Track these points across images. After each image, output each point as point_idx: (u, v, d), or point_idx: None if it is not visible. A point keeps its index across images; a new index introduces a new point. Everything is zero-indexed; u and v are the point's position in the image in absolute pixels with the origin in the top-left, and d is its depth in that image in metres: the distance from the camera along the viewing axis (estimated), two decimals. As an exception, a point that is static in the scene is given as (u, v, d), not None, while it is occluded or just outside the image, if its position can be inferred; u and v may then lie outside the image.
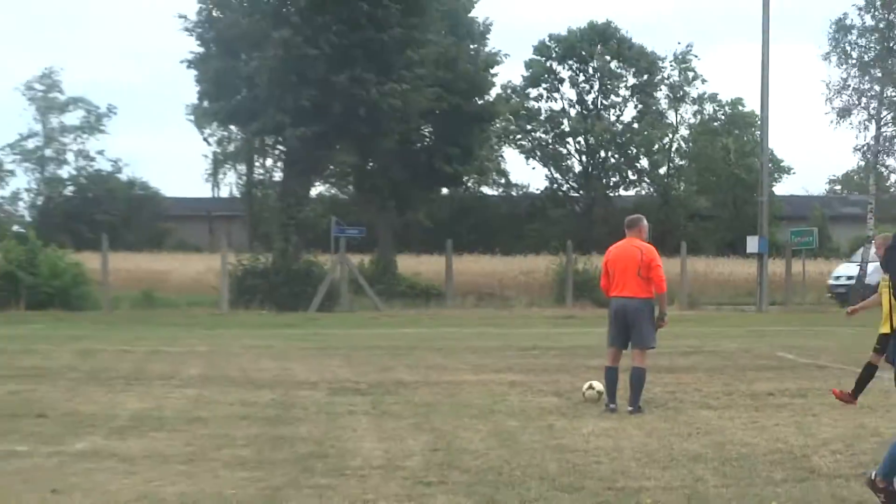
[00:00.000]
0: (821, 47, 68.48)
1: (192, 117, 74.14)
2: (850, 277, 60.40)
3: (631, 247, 19.79)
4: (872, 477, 12.06)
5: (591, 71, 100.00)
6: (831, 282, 63.08)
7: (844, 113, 65.58)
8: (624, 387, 19.85)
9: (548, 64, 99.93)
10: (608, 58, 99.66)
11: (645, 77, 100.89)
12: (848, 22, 66.12)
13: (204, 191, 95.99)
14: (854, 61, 65.85)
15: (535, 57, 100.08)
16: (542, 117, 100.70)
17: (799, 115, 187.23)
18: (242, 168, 76.52)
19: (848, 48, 66.03)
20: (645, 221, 20.41)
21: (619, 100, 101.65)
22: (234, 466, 14.48)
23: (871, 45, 65.83)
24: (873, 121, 65.34)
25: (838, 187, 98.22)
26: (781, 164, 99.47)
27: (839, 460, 15.04)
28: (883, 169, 67.63)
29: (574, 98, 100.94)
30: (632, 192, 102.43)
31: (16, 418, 18.76)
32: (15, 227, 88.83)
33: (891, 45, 65.35)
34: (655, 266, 19.64)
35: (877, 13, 65.02)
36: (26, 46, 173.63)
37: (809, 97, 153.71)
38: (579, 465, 14.64)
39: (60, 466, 14.37)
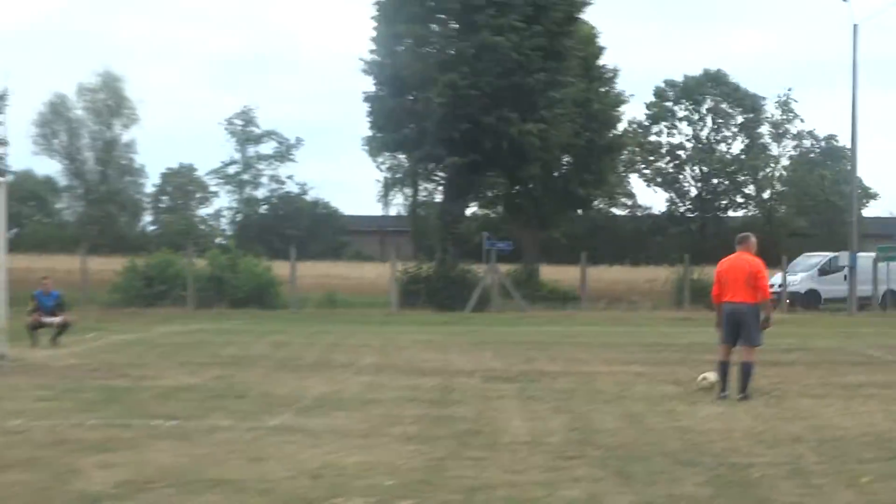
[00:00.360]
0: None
1: (366, 147, 74.09)
2: (780, 286, 60.06)
3: (741, 259, 19.92)
4: None
5: (703, 111, 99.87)
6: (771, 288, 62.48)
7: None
8: (734, 378, 19.81)
9: (666, 104, 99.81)
10: (720, 99, 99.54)
11: (751, 115, 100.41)
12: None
13: (376, 209, 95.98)
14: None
15: (654, 99, 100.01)
16: (662, 150, 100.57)
17: (885, 147, 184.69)
18: (408, 190, 76.57)
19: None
20: (753, 238, 20.50)
21: (729, 135, 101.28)
22: (403, 441, 14.54)
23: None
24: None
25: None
26: (869, 191, 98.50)
27: (920, 442, 14.96)
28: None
29: (690, 133, 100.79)
30: (739, 214, 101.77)
31: (220, 398, 18.96)
32: (218, 240, 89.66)
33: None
34: (761, 276, 19.83)
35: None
36: (228, 88, 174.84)
37: (894, 130, 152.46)
38: (696, 443, 14.62)
39: (256, 439, 14.52)
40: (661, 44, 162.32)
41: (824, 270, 62.77)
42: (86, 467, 12.28)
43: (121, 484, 11.41)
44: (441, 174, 65.54)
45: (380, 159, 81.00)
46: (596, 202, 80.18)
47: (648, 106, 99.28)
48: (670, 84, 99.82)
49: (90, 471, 12.09)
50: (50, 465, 12.41)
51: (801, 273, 62.20)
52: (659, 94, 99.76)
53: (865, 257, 61.65)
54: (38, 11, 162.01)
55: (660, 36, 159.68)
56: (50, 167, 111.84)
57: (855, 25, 59.80)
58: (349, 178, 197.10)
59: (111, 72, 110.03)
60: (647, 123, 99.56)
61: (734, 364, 19.80)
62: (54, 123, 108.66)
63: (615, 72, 74.10)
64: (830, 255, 65.48)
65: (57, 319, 30.46)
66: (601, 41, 72.09)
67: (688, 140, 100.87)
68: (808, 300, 60.62)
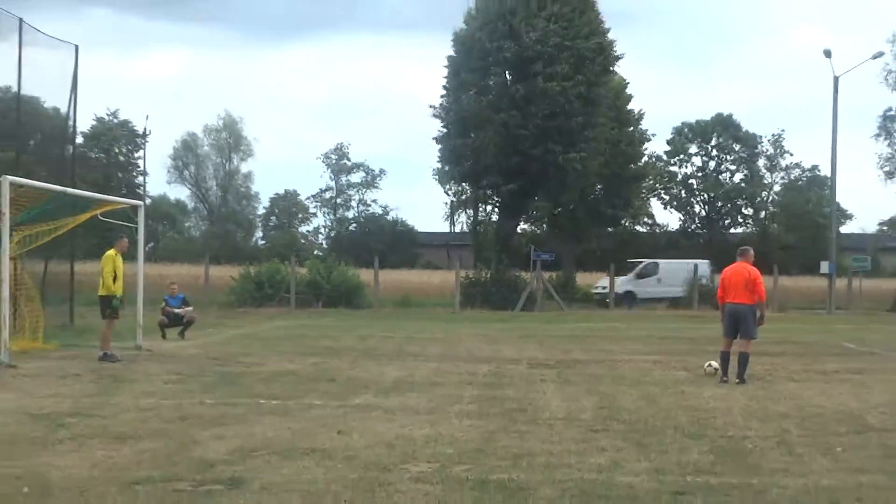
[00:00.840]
0: (873, 130, 67.89)
1: (436, 177, 74.33)
2: (604, 287, 60.11)
3: (742, 268, 20.28)
4: None
5: (710, 147, 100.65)
6: (595, 290, 62.71)
7: (890, 175, 65.31)
8: (733, 365, 19.72)
9: (682, 142, 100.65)
10: (726, 139, 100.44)
11: (751, 152, 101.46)
12: (891, 112, 65.50)
13: (444, 227, 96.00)
14: (896, 138, 65.49)
15: (672, 136, 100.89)
16: (677, 178, 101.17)
17: (858, 176, 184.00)
18: (470, 212, 76.59)
19: (892, 129, 65.35)
20: (751, 251, 20.87)
21: (733, 167, 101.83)
22: (462, 416, 14.51)
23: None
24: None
25: (885, 227, 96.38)
26: (846, 212, 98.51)
27: (886, 419, 14.79)
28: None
29: (700, 164, 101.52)
30: (739, 231, 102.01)
31: (314, 381, 19.00)
32: (316, 252, 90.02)
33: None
34: (759, 282, 20.17)
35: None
36: (325, 128, 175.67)
37: (866, 164, 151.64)
38: (701, 419, 14.54)
39: (344, 415, 14.51)
40: (681, 92, 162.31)
41: (640, 275, 62.11)
42: (204, 438, 12.33)
43: (232, 451, 11.45)
44: (497, 198, 65.83)
45: (447, 186, 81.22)
46: (623, 221, 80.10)
47: (669, 142, 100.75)
48: (687, 126, 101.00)
49: (207, 441, 12.14)
50: (175, 436, 12.47)
51: (620, 277, 61.67)
52: (678, 132, 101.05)
53: (675, 264, 62.12)
54: (174, 67, 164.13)
55: (679, 85, 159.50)
56: (180, 193, 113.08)
57: (836, 78, 59.85)
58: (422, 201, 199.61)
59: (231, 115, 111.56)
60: (665, 158, 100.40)
61: (734, 354, 19.87)
62: (185, 157, 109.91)
63: (641, 115, 74.34)
64: (647, 261, 65.30)
65: (183, 310, 30.66)
66: (630, 90, 72.28)
67: (698, 171, 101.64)
68: (626, 300, 59.78)
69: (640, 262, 64.58)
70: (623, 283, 61.14)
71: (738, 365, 19.71)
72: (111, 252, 23.52)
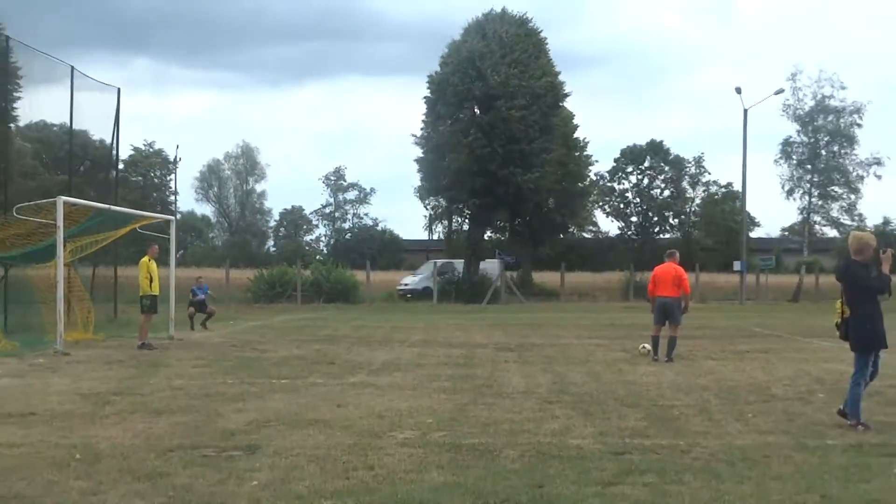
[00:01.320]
0: (774, 154, 68.64)
1: (417, 193, 74.53)
2: (406, 284, 60.17)
3: (670, 267, 20.33)
4: (842, 408, 11.72)
5: (646, 167, 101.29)
6: (399, 287, 61.05)
7: (790, 193, 66.27)
8: (663, 347, 19.75)
9: (625, 163, 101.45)
10: (660, 162, 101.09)
11: (677, 171, 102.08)
12: (791, 139, 66.21)
13: (424, 235, 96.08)
14: (794, 161, 65.74)
15: (616, 157, 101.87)
16: (615, 194, 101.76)
17: (764, 190, 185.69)
18: (445, 222, 76.74)
19: (791, 153, 65.97)
20: (677, 253, 20.99)
21: (662, 184, 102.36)
22: (440, 392, 14.50)
23: (804, 152, 65.59)
24: (806, 195, 65.48)
25: (787, 232, 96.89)
26: (754, 220, 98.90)
27: (788, 389, 14.83)
28: (812, 223, 67.66)
29: (635, 181, 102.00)
30: (667, 236, 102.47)
31: (317, 364, 18.95)
32: (318, 257, 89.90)
33: (816, 151, 65.05)
34: (684, 279, 20.38)
35: (808, 135, 65.05)
36: (326, 154, 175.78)
37: (771, 181, 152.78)
38: (636, 392, 14.55)
39: (342, 391, 14.48)
40: (622, 121, 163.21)
41: (440, 272, 60.72)
42: (226, 412, 12.29)
43: (249, 423, 11.42)
44: (467, 211, 66.02)
45: (426, 202, 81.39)
46: (571, 229, 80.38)
47: (615, 161, 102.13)
48: (627, 150, 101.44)
49: (229, 414, 12.10)
50: (201, 411, 12.42)
51: (420, 275, 61.23)
52: (622, 154, 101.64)
53: (490, 263, 60.08)
54: (202, 105, 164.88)
55: (614, 115, 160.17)
56: (205, 209, 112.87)
57: (745, 110, 60.08)
58: (406, 214, 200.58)
59: (249, 144, 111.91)
60: (609, 175, 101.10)
61: (663, 338, 19.92)
62: (210, 180, 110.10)
63: (586, 143, 74.84)
64: (445, 260, 63.78)
65: (202, 298, 30.72)
66: (578, 121, 72.90)
67: (634, 187, 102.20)
68: (425, 295, 58.46)
69: (441, 261, 62.80)
70: (422, 280, 60.27)
71: (668, 346, 19.79)
72: (144, 259, 23.55)
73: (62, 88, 30.47)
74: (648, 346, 20.71)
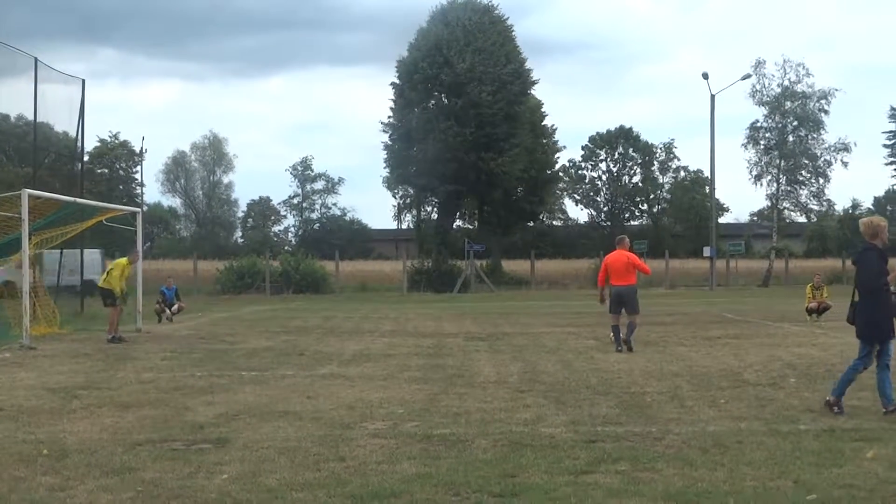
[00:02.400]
0: (742, 138, 68.86)
1: (385, 183, 74.59)
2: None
3: (621, 254, 19.49)
4: (828, 399, 11.43)
5: (616, 155, 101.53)
6: None
7: (758, 178, 66.35)
8: (625, 332, 19.74)
9: (592, 149, 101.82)
10: (629, 149, 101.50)
11: (646, 157, 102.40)
12: (758, 124, 66.36)
13: (393, 225, 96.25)
14: (762, 146, 65.91)
15: (587, 144, 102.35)
16: (586, 180, 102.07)
17: (733, 176, 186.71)
18: (414, 211, 76.75)
19: (759, 139, 66.15)
20: (627, 239, 20.32)
21: (631, 170, 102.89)
22: (411, 382, 14.47)
23: (772, 137, 65.76)
24: (775, 181, 65.71)
25: (756, 218, 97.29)
26: (723, 206, 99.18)
27: (759, 375, 14.86)
28: (781, 207, 67.86)
29: (605, 168, 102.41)
30: (637, 223, 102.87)
31: (287, 355, 18.90)
32: (286, 248, 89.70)
33: (784, 137, 65.26)
34: (638, 263, 19.91)
35: (775, 119, 65.14)
36: (293, 144, 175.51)
37: (739, 166, 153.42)
38: (608, 379, 14.55)
39: (312, 383, 14.42)
40: (585, 108, 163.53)
41: (20, 265, 54.57)
42: (195, 405, 12.22)
43: (218, 416, 11.34)
44: (436, 199, 66.16)
45: (394, 191, 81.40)
46: (541, 216, 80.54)
47: (583, 148, 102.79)
48: (597, 136, 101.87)
49: (197, 407, 12.02)
50: (170, 404, 12.34)
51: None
52: (591, 141, 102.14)
53: (56, 254, 45.03)
54: (168, 96, 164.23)
55: (584, 102, 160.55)
56: (172, 201, 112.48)
57: (712, 96, 60.39)
58: (374, 203, 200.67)
59: (216, 135, 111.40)
60: (578, 162, 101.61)
61: (623, 325, 19.35)
62: (176, 171, 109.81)
63: (554, 129, 75.12)
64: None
65: (175, 307, 30.51)
66: (547, 108, 73.30)
67: (604, 173, 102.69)
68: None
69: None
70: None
71: (628, 331, 19.19)
72: (124, 260, 23.65)
73: (26, 80, 30.28)
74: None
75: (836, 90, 68.30)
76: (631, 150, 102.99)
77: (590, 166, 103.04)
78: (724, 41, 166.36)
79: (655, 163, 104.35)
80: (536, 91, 69.19)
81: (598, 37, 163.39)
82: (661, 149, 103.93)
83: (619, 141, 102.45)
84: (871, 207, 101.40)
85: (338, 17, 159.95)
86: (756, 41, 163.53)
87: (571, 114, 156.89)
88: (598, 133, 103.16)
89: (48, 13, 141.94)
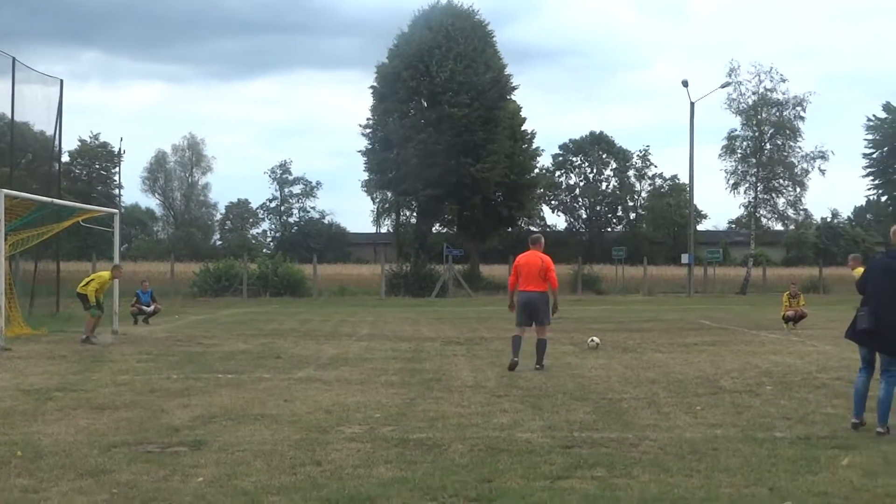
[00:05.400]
0: (720, 147, 68.99)
1: (364, 187, 74.67)
2: None
3: (535, 256, 17.01)
4: (879, 430, 10.40)
5: (591, 160, 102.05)
6: None
7: (735, 186, 66.64)
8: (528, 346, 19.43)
9: (566, 156, 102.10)
10: (602, 154, 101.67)
11: (623, 164, 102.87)
12: (735, 133, 66.62)
13: (372, 228, 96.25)
14: (739, 155, 66.13)
15: (559, 152, 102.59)
16: (563, 187, 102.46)
17: (711, 183, 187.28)
18: (393, 216, 76.74)
19: (736, 147, 66.32)
20: (543, 239, 17.67)
21: (609, 176, 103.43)
22: (388, 386, 14.47)
23: (749, 146, 66.02)
24: (752, 188, 65.93)
25: (734, 225, 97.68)
26: (701, 212, 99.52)
27: (736, 382, 14.91)
28: (758, 215, 68.11)
29: (582, 176, 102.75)
30: (614, 230, 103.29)
31: (263, 358, 18.85)
32: (264, 251, 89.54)
33: (761, 145, 65.47)
34: (552, 269, 17.09)
35: (752, 128, 65.39)
36: (271, 147, 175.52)
37: (717, 173, 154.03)
38: (585, 385, 14.57)
39: (289, 386, 14.39)
40: (565, 114, 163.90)
41: None
42: (171, 407, 12.18)
43: (195, 418, 11.32)
44: (415, 203, 66.21)
45: (374, 195, 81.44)
46: (519, 222, 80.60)
47: (554, 157, 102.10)
48: (571, 142, 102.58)
49: (174, 410, 11.99)
50: (145, 406, 12.30)
51: None
52: (563, 148, 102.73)
53: None
54: (150, 97, 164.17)
55: (564, 108, 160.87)
56: (150, 202, 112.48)
57: (692, 103, 60.70)
58: (353, 207, 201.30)
59: (195, 137, 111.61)
60: (553, 168, 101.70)
61: (526, 338, 17.15)
62: (157, 172, 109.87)
63: (533, 134, 75.27)
64: None
65: (150, 308, 30.41)
66: (523, 113, 73.20)
67: (581, 180, 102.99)
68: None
69: None
70: None
71: (537, 352, 16.96)
72: (106, 275, 24.01)
73: (3, 80, 30.13)
74: (597, 340, 20.81)
75: (811, 93, 69.17)
76: (605, 156, 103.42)
77: (564, 172, 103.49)
78: (705, 50, 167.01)
79: (632, 169, 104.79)
80: (516, 96, 69.53)
81: (582, 43, 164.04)
82: (637, 155, 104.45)
83: (593, 147, 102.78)
84: (851, 216, 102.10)
85: (323, 21, 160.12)
86: (737, 51, 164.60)
87: (552, 120, 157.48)
88: (570, 140, 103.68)
89: (32, 14, 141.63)
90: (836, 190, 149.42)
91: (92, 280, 23.73)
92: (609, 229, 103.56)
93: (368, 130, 64.93)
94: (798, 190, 67.17)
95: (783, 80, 65.15)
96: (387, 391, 13.91)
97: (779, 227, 72.50)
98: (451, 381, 15.19)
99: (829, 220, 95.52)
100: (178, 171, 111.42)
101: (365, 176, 70.12)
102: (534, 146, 77.15)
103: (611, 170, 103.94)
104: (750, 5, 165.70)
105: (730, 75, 65.42)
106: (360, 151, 66.24)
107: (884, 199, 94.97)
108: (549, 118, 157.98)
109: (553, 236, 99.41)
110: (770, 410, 12.11)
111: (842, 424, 11.01)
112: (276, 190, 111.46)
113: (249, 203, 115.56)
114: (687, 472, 8.53)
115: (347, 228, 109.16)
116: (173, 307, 38.20)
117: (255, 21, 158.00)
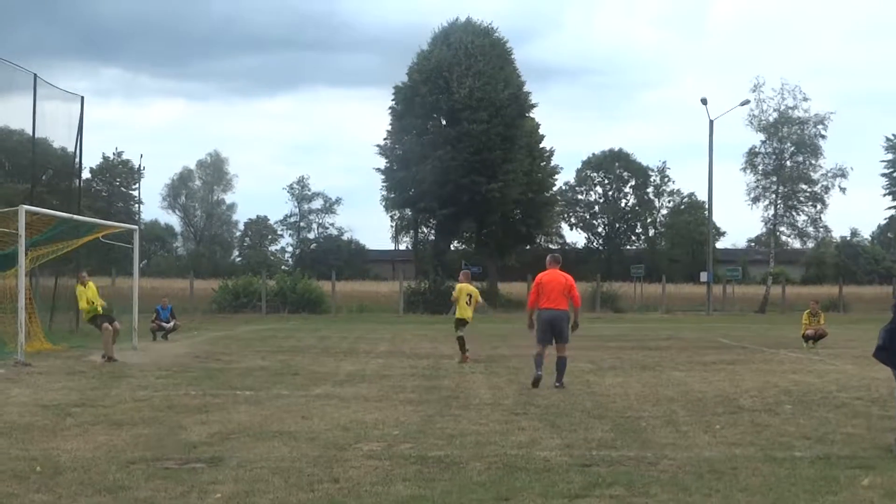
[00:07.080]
0: (741, 164, 68.67)
1: (383, 203, 74.82)
2: None
3: (558, 274, 17.17)
4: None
5: (610, 177, 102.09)
6: None
7: (756, 200, 66.44)
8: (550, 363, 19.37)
9: (587, 173, 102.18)
10: (622, 171, 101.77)
11: (640, 180, 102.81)
12: (756, 150, 66.44)
13: (390, 245, 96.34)
14: (760, 171, 65.99)
15: (579, 168, 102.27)
16: (582, 204, 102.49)
17: (730, 200, 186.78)
18: (412, 232, 76.80)
19: (757, 164, 66.21)
20: (561, 258, 18.16)
21: (627, 193, 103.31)
22: (406, 403, 14.45)
23: (770, 162, 65.89)
24: (772, 206, 65.85)
25: (753, 243, 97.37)
26: (720, 230, 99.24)
27: (755, 401, 14.84)
28: (778, 233, 67.97)
29: (601, 192, 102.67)
30: (633, 247, 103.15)
31: (281, 375, 18.87)
32: (283, 267, 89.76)
33: (782, 162, 65.38)
34: (574, 287, 17.26)
35: (772, 144, 65.32)
36: (291, 164, 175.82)
37: (736, 190, 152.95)
38: (603, 403, 14.53)
39: (306, 403, 14.38)
40: (586, 131, 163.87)
41: None
42: (189, 424, 12.19)
43: (212, 435, 11.32)
44: (433, 221, 66.28)
45: (392, 212, 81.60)
46: (537, 239, 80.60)
47: (578, 172, 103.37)
48: (590, 159, 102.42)
49: (192, 426, 11.99)
50: (164, 423, 12.31)
51: None
52: (584, 164, 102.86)
53: None
54: (172, 114, 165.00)
55: (584, 127, 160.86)
56: (169, 218, 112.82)
57: (711, 121, 60.68)
58: (372, 224, 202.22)
59: (219, 154, 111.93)
60: (573, 186, 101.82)
61: (547, 356, 17.08)
62: (180, 188, 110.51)
63: (552, 151, 75.15)
64: None
65: (170, 325, 30.49)
66: (542, 131, 73.20)
67: (600, 197, 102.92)
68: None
69: None
70: None
71: (558, 370, 16.91)
72: (80, 288, 24.05)
73: (25, 96, 30.30)
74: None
75: (832, 113, 69.19)
76: (625, 173, 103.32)
77: (584, 190, 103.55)
78: (723, 68, 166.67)
79: (650, 186, 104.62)
80: (535, 113, 69.56)
81: (601, 61, 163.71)
82: (656, 172, 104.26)
83: (613, 164, 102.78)
84: (872, 236, 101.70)
85: (342, 38, 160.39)
86: (756, 69, 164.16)
87: (572, 137, 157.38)
88: (591, 155, 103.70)
89: (53, 32, 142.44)
90: (856, 209, 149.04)
91: (79, 300, 24.22)
92: (627, 246, 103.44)
93: (386, 150, 65.30)
94: (819, 206, 67.12)
95: (805, 99, 65.28)
96: (405, 408, 13.88)
97: (798, 245, 72.38)
98: (469, 398, 15.15)
99: (848, 238, 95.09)
100: (202, 189, 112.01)
101: (384, 193, 70.42)
102: (552, 164, 77.09)
103: (629, 187, 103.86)
104: (769, 24, 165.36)
105: (754, 90, 65.46)
106: (377, 169, 66.60)
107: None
108: (569, 136, 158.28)
109: (571, 253, 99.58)
110: (789, 430, 12.04)
111: (862, 444, 10.94)
112: (294, 206, 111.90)
113: (268, 219, 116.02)
114: (706, 491, 8.48)
115: (366, 245, 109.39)
116: (192, 323, 38.27)
117: (273, 38, 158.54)
